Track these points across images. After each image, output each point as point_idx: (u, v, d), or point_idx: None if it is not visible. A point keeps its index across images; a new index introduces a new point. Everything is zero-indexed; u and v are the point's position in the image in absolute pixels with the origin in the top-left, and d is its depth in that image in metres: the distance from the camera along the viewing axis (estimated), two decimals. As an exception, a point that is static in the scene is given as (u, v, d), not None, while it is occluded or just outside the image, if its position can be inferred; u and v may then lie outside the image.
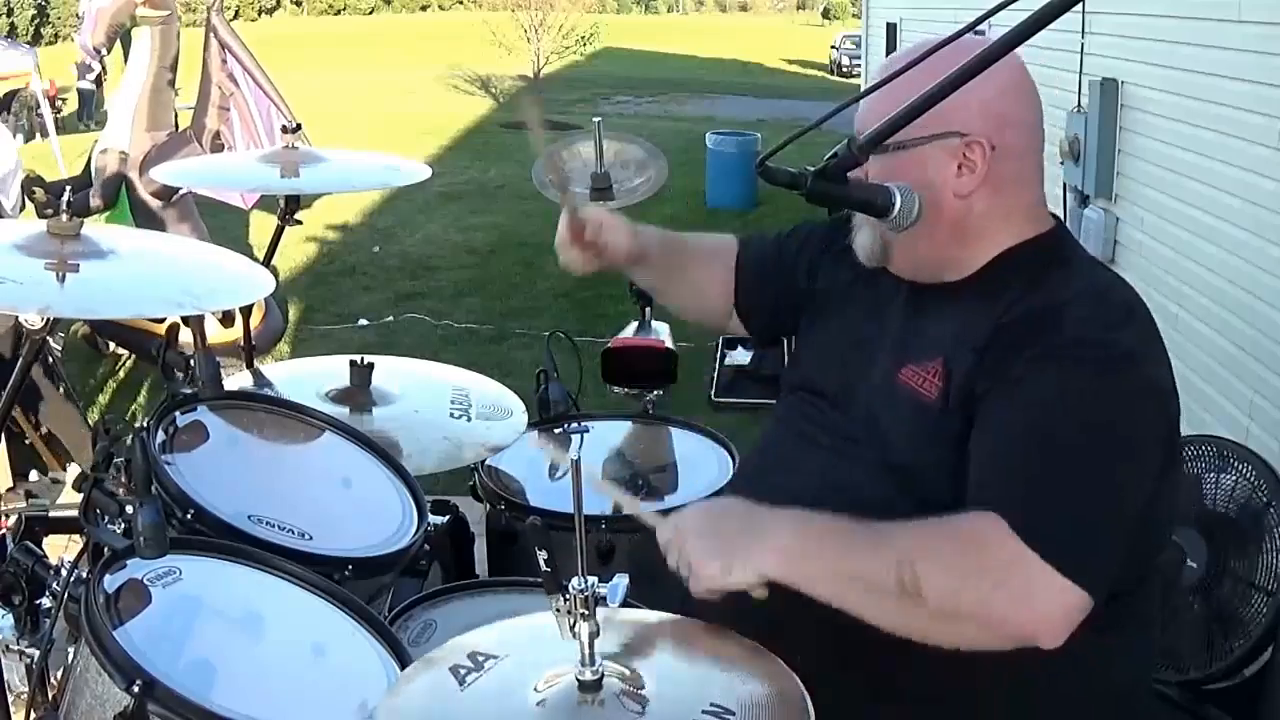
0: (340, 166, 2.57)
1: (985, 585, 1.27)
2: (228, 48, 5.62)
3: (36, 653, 1.56)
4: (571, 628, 1.10)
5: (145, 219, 5.41)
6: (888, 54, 10.91)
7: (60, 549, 1.88)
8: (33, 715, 1.59)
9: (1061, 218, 1.60)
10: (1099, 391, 1.34)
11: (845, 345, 1.60)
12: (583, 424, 2.58)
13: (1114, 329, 1.39)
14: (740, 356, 5.98)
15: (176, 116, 5.86)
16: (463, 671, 1.14)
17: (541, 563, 1.15)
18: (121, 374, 5.96)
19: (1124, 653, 1.45)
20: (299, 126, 2.55)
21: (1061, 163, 5.02)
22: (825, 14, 62.42)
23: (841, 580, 1.31)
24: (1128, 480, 1.35)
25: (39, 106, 13.02)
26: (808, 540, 1.32)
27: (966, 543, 1.30)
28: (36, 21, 40.72)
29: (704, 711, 1.06)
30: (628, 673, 1.10)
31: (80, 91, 18.09)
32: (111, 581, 1.43)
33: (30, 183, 5.24)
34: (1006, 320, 1.42)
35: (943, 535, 1.31)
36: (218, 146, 5.55)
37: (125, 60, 5.66)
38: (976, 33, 1.38)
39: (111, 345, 5.98)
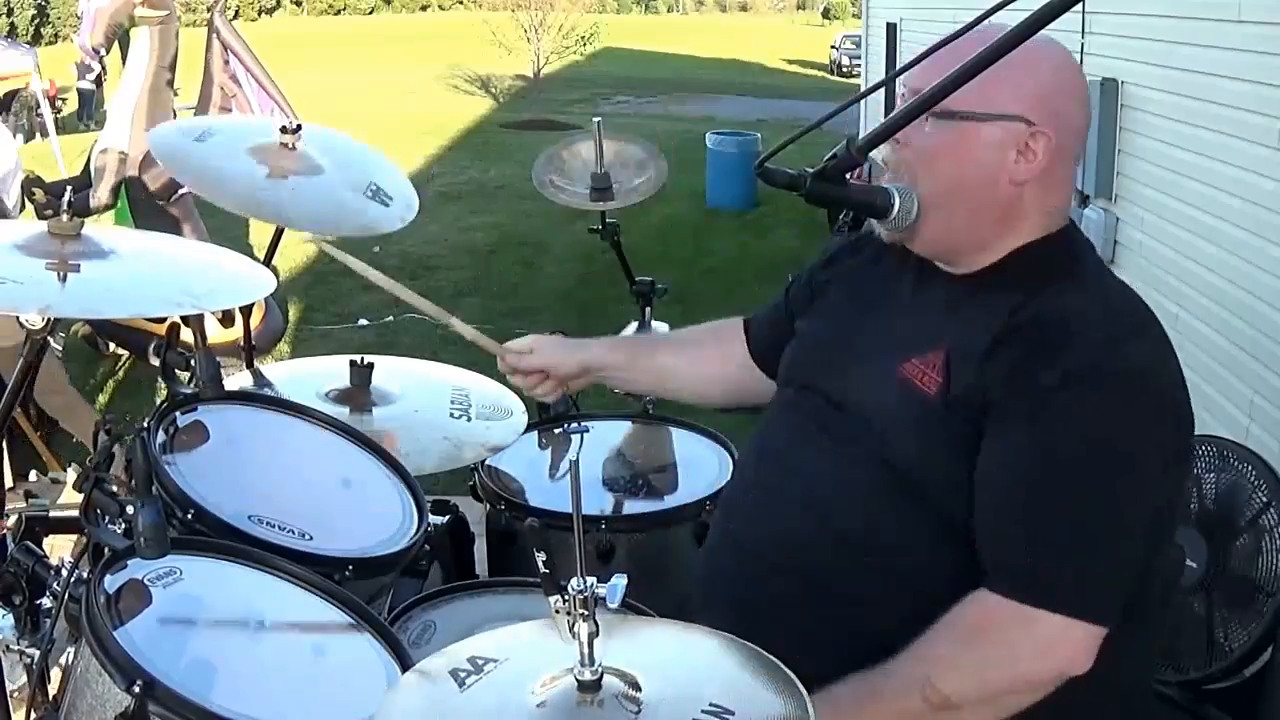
0: (330, 186, 2.45)
1: (1003, 665, 1.34)
2: (230, 48, 5.62)
3: (36, 653, 1.55)
4: (571, 628, 1.10)
5: (145, 219, 5.41)
6: (888, 54, 10.94)
7: (60, 549, 1.88)
8: (33, 715, 1.59)
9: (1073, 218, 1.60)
10: (1112, 420, 1.35)
11: (845, 340, 1.60)
12: (583, 424, 2.58)
13: (1126, 344, 1.39)
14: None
15: (176, 117, 5.86)
16: (462, 674, 1.14)
17: (540, 564, 1.15)
18: (121, 374, 5.96)
19: (1122, 652, 1.44)
20: (299, 127, 2.54)
21: (1061, 162, 5.02)
22: (825, 14, 62.42)
23: None
24: (1138, 508, 1.37)
25: (39, 106, 13.02)
26: (840, 712, 1.36)
27: (970, 637, 1.35)
28: (36, 21, 40.72)
29: (704, 711, 1.06)
30: (627, 673, 1.10)
31: (80, 91, 18.08)
32: (112, 581, 1.43)
33: (30, 183, 5.24)
34: (1015, 323, 1.41)
35: (946, 641, 1.36)
36: None
37: (123, 61, 5.66)
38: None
39: (111, 345, 5.98)
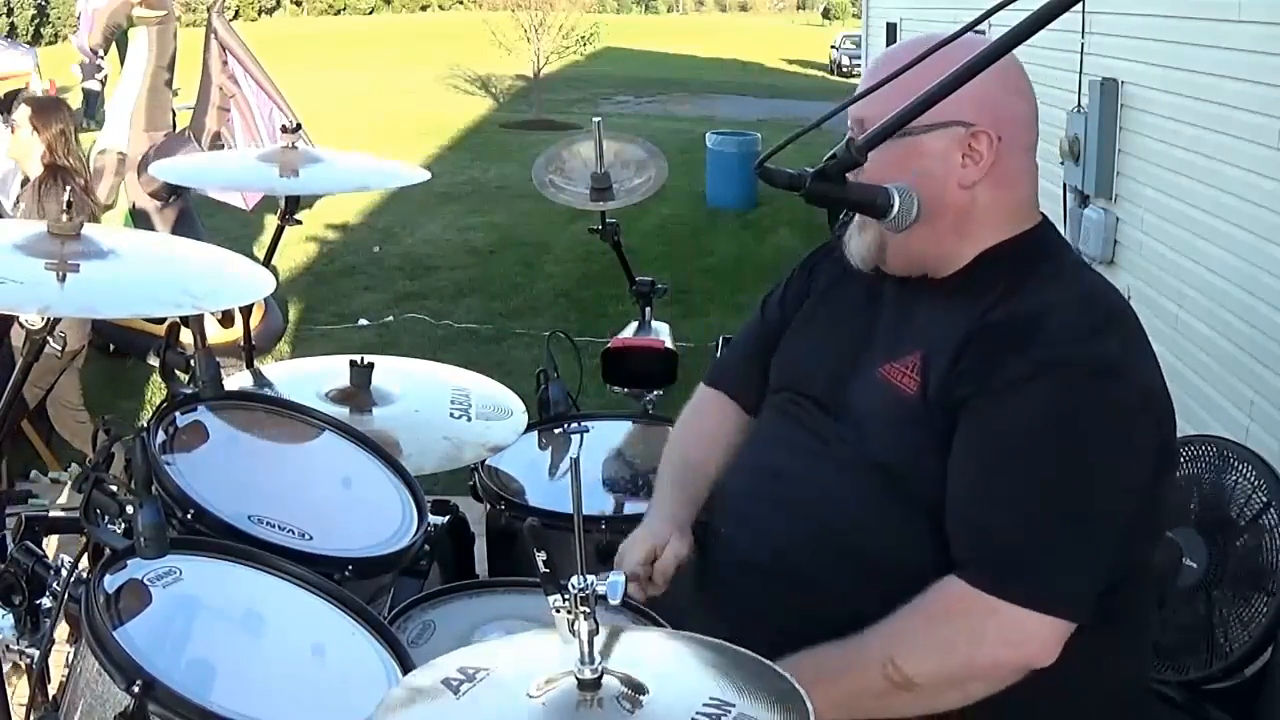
0: (339, 167, 2.57)
1: (965, 650, 1.34)
2: (228, 48, 5.62)
3: (36, 653, 1.55)
4: (571, 626, 1.10)
5: (143, 220, 5.41)
6: (888, 54, 11.00)
7: (60, 549, 1.88)
8: (33, 715, 1.59)
9: (1051, 216, 1.60)
10: (1082, 409, 1.35)
11: (830, 347, 1.60)
12: (583, 424, 2.58)
13: (1097, 337, 1.39)
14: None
15: (175, 117, 5.86)
16: (455, 683, 1.13)
17: (540, 564, 1.15)
18: (121, 374, 5.96)
19: (1116, 649, 1.45)
20: (299, 126, 2.55)
21: (1061, 163, 5.02)
22: (825, 14, 62.41)
23: (843, 705, 1.37)
24: (1109, 498, 1.36)
25: (39, 106, 12.98)
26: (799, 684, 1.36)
27: (935, 618, 1.35)
28: (36, 21, 40.69)
29: (704, 704, 1.06)
30: (626, 672, 1.10)
31: (85, 91, 18.04)
32: (111, 581, 1.43)
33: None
34: (987, 321, 1.42)
35: (912, 620, 1.36)
36: (217, 147, 5.54)
37: (121, 61, 5.66)
38: (976, 33, 1.38)
39: (112, 345, 5.98)
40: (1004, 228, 1.50)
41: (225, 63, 5.62)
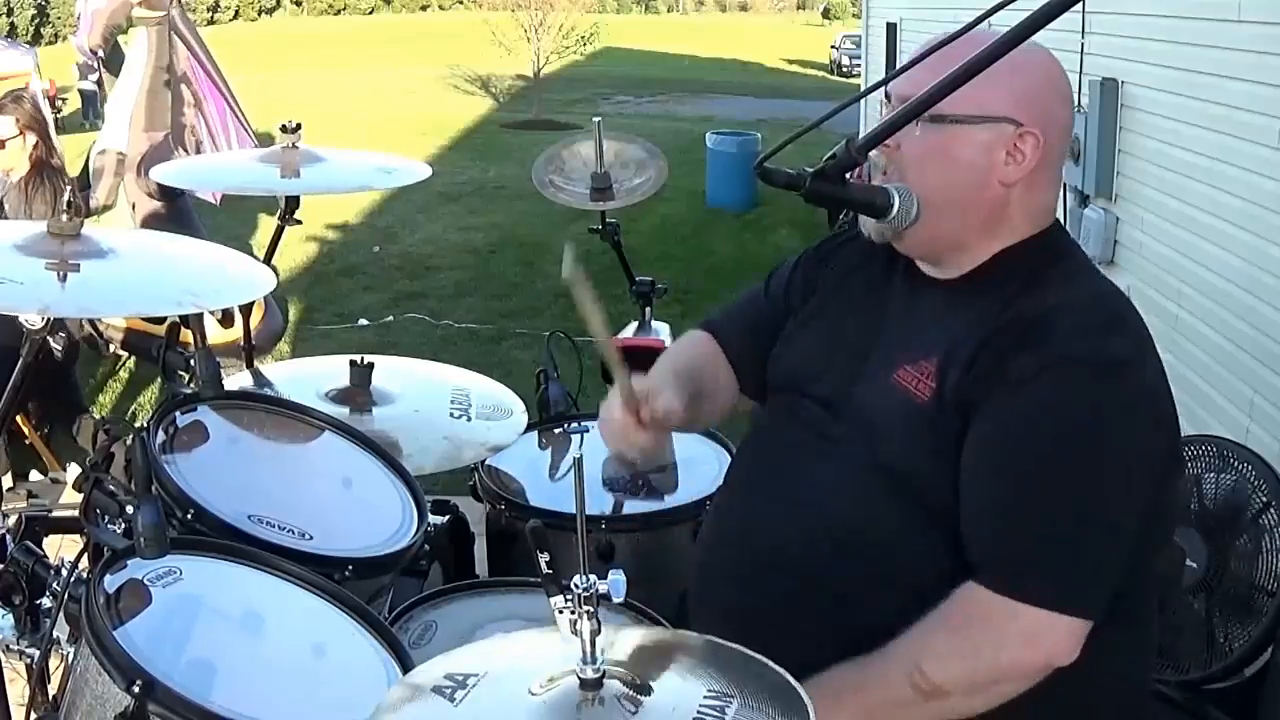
0: (340, 166, 2.57)
1: (989, 653, 1.35)
2: (188, 44, 5.58)
3: (36, 653, 1.56)
4: (573, 626, 1.10)
5: (144, 219, 5.40)
6: (888, 54, 10.95)
7: (61, 549, 1.88)
8: (33, 715, 1.59)
9: (1061, 218, 1.60)
10: (1089, 407, 1.35)
11: (837, 347, 1.59)
12: (583, 424, 2.58)
13: (1105, 336, 1.39)
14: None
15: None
16: (448, 690, 1.13)
17: (543, 565, 1.15)
18: (122, 374, 5.96)
19: (1119, 650, 1.45)
20: (299, 126, 2.54)
21: (1061, 163, 5.02)
22: (825, 14, 62.41)
23: (874, 717, 1.39)
24: (1120, 496, 1.37)
25: (39, 106, 12.99)
26: (825, 700, 1.35)
27: (956, 625, 1.37)
28: (36, 21, 40.71)
29: (704, 697, 1.06)
30: (629, 674, 1.10)
31: (82, 92, 18.06)
32: (111, 581, 1.43)
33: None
34: (999, 324, 1.42)
35: (934, 628, 1.38)
36: (197, 144, 5.52)
37: (111, 69, 5.62)
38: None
39: (112, 345, 5.98)
40: (1023, 229, 1.50)
41: (187, 58, 5.57)
